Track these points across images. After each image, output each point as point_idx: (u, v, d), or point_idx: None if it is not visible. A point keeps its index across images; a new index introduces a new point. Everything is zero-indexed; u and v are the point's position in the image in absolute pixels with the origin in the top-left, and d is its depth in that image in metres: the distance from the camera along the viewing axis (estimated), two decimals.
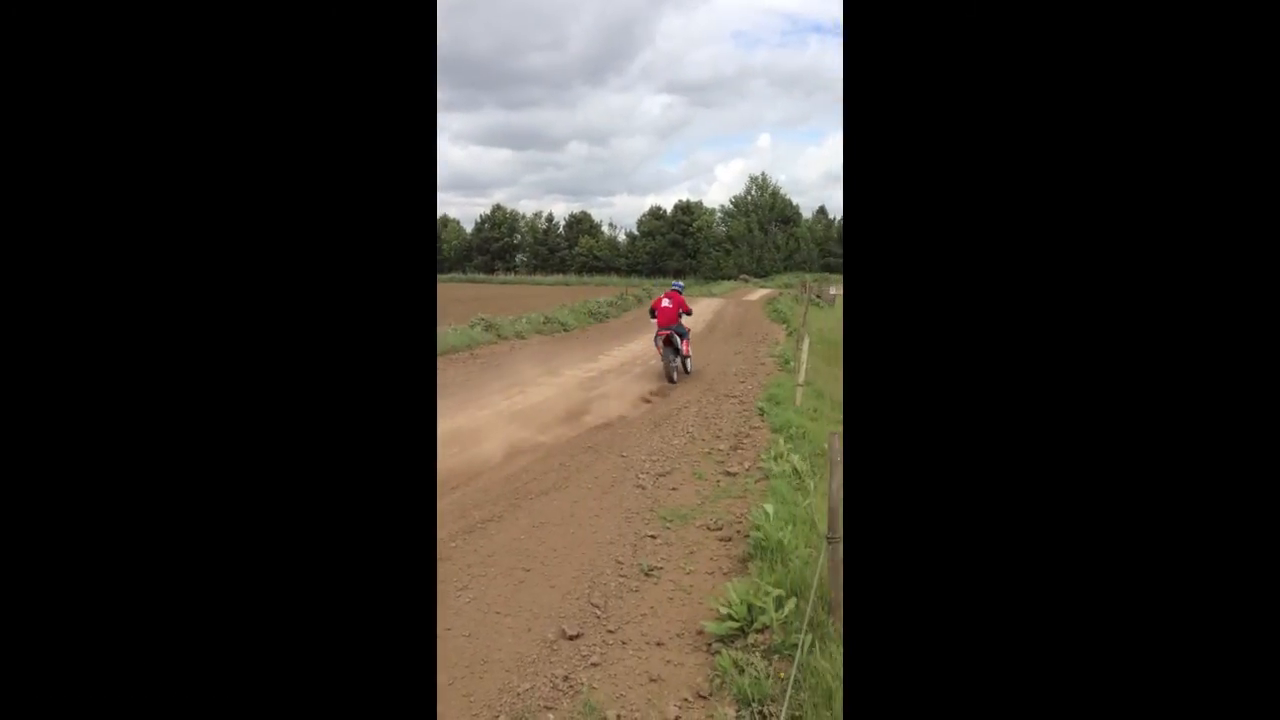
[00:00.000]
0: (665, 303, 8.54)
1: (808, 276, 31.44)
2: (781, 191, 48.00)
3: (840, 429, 5.96)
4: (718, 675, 2.47)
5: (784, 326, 15.23)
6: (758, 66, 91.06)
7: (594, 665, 2.58)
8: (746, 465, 5.21)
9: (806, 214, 49.50)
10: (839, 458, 2.76)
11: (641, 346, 12.08)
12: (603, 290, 22.48)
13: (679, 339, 8.59)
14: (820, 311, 18.83)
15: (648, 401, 7.63)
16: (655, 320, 8.55)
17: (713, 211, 48.00)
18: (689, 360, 9.06)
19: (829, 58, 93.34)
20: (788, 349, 10.87)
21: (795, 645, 2.44)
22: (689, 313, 8.81)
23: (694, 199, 49.11)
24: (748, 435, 6.09)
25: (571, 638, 2.75)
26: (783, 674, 2.40)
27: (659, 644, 2.72)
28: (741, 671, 2.44)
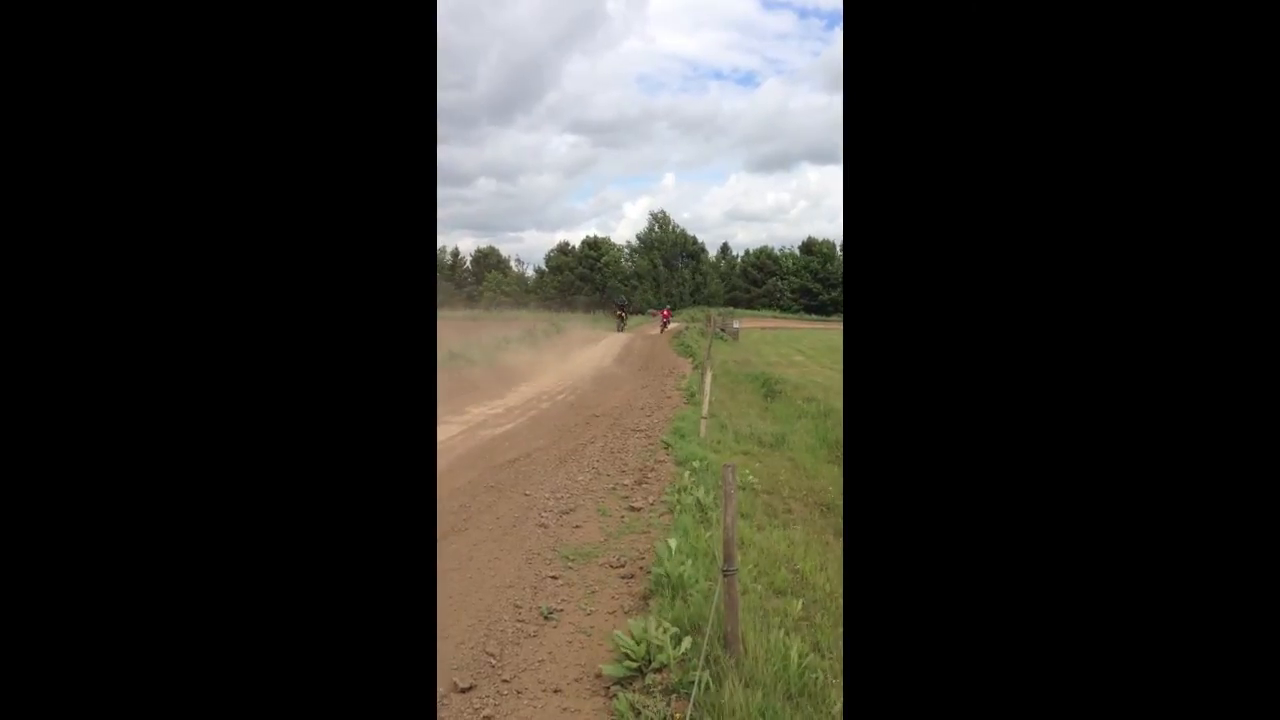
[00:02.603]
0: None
1: (713, 311, 32.20)
2: (684, 229, 49.28)
3: (735, 460, 6.04)
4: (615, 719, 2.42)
5: (690, 360, 15.47)
6: (660, 110, 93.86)
7: (486, 719, 2.47)
8: (651, 500, 5.20)
9: (711, 250, 50.99)
10: (732, 489, 2.79)
11: (552, 381, 11.96)
12: (513, 324, 22.21)
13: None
14: (725, 345, 19.25)
15: (554, 440, 7.53)
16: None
17: (620, 248, 48.67)
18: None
19: (728, 103, 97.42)
20: (693, 382, 11.03)
21: (693, 683, 2.42)
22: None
23: (602, 235, 49.71)
24: (653, 469, 6.10)
25: (463, 690, 2.63)
26: (678, 715, 2.37)
27: (556, 691, 2.64)
28: (638, 714, 2.39)
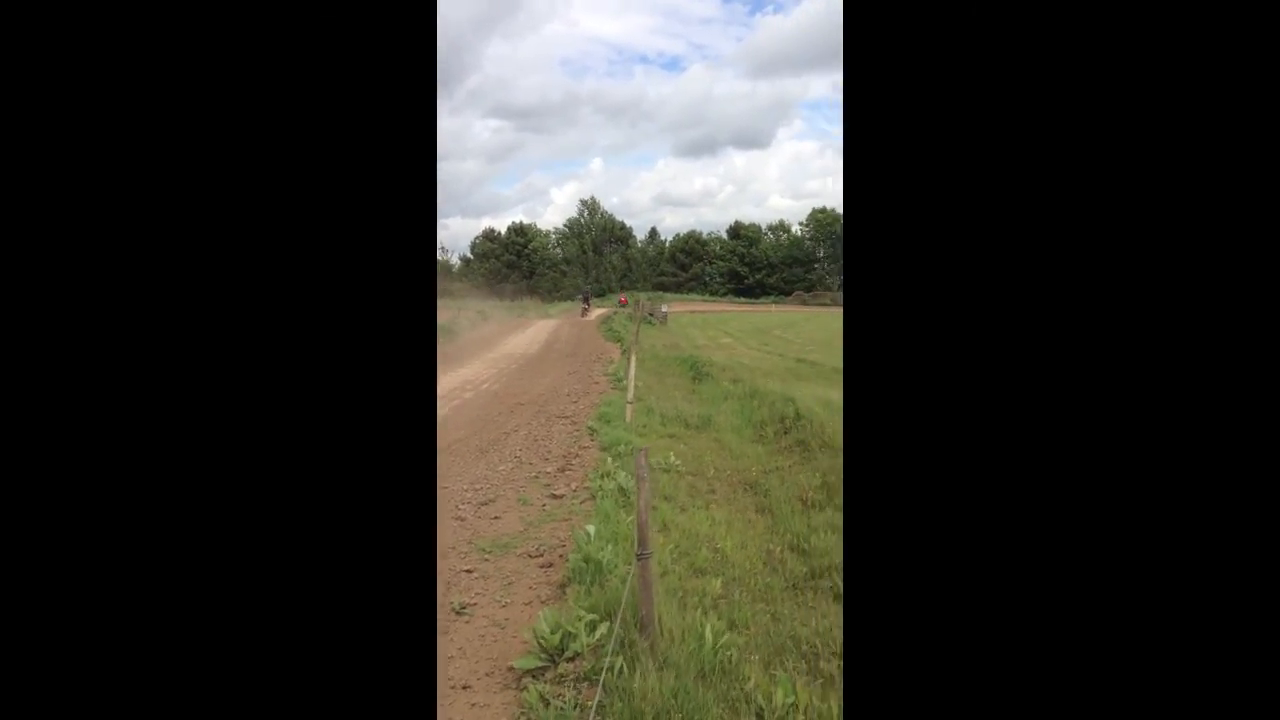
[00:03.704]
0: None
1: (642, 295, 32.26)
2: (611, 214, 49.11)
3: (661, 443, 6.03)
4: (524, 712, 2.35)
5: (618, 345, 15.43)
6: (585, 94, 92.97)
7: None
8: (574, 486, 5.14)
9: (640, 235, 50.99)
10: (645, 473, 2.75)
11: (476, 369, 11.71)
12: (440, 313, 21.66)
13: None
14: (653, 329, 19.30)
15: (475, 429, 7.36)
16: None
17: (548, 234, 48.11)
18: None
19: (654, 88, 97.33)
20: (620, 367, 11.00)
21: (607, 669, 2.38)
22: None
23: (529, 221, 48.99)
24: (576, 455, 6.03)
25: None
26: (588, 702, 2.32)
27: (465, 687, 2.55)
28: (547, 705, 2.33)
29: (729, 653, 2.68)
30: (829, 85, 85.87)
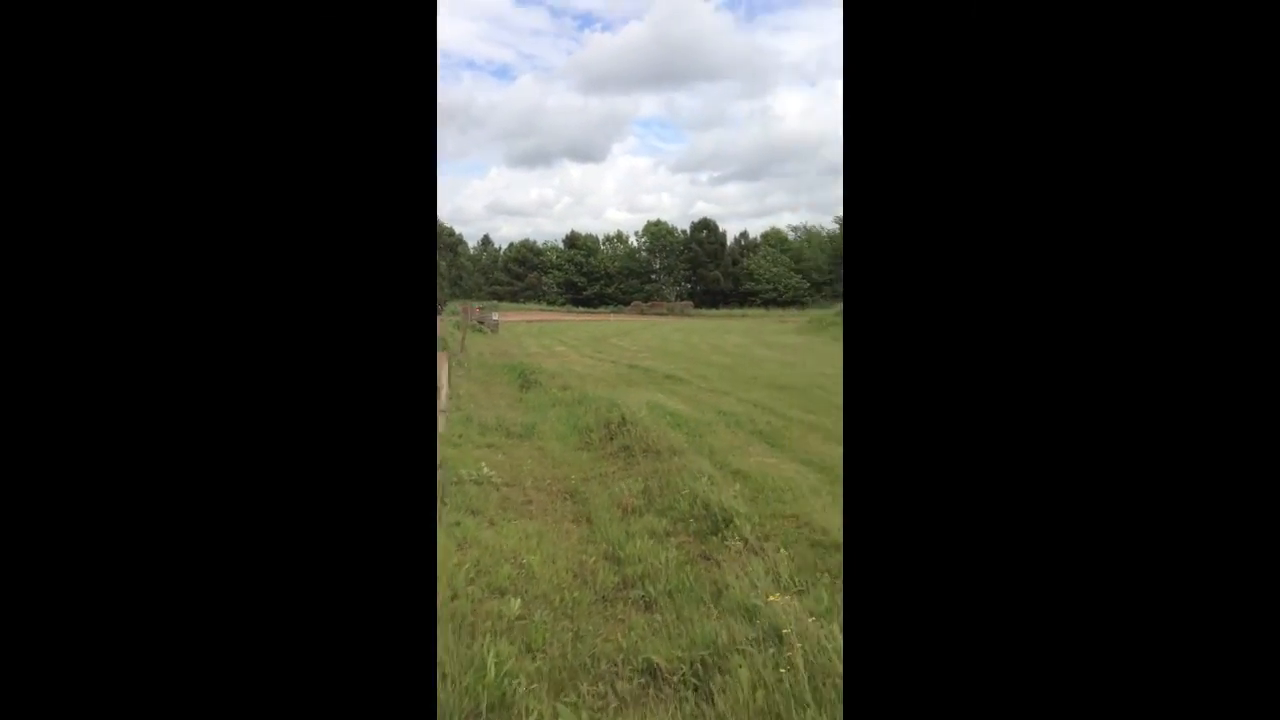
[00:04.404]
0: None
1: (474, 303, 31.33)
2: (442, 221, 47.58)
3: (478, 453, 5.60)
4: None
5: (444, 353, 14.67)
6: None
7: None
8: None
9: (472, 243, 49.69)
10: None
11: None
12: None
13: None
14: (483, 338, 18.65)
15: None
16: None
17: None
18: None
19: (483, 95, 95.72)
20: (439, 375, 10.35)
21: None
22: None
23: None
24: None
25: None
26: None
27: None
28: None
29: (514, 683, 2.36)
30: (659, 104, 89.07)
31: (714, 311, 46.86)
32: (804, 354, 16.35)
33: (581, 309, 48.64)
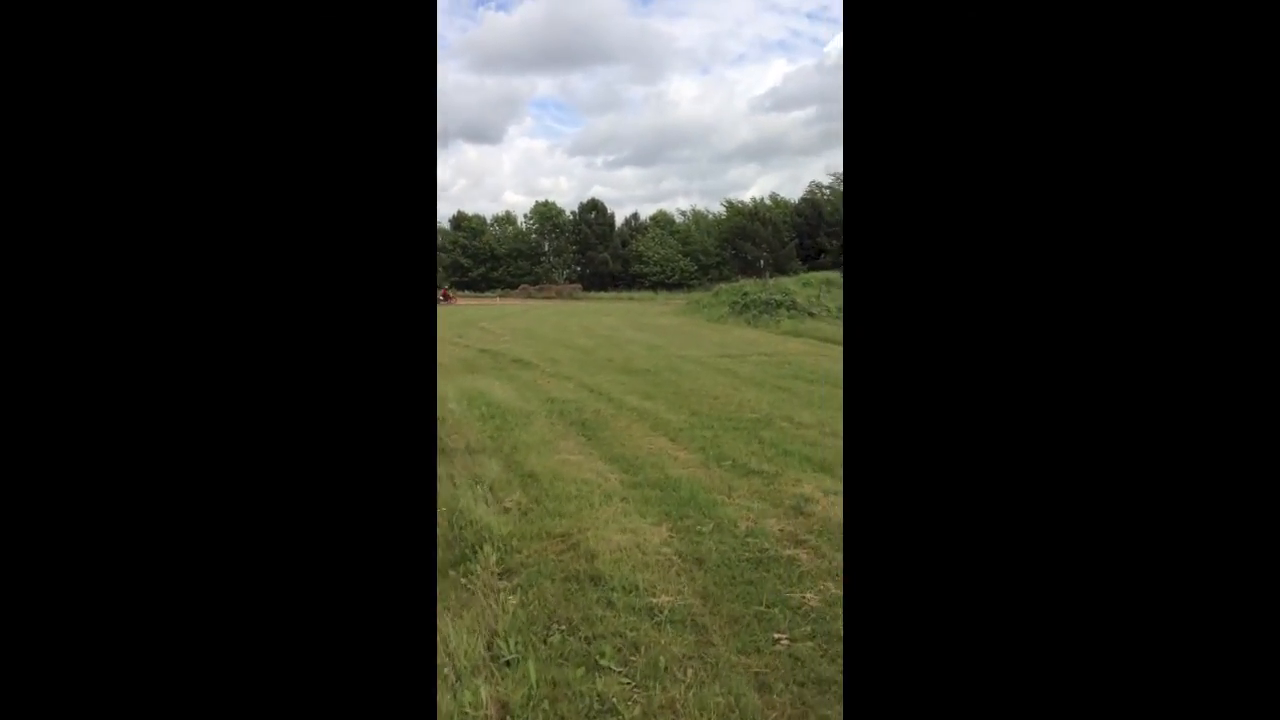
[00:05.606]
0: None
1: None
2: None
3: None
4: None
5: None
6: None
7: None
8: None
9: None
10: None
11: None
12: None
13: None
14: None
15: None
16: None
17: None
18: None
19: None
20: None
21: None
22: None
23: None
24: None
25: None
26: None
27: None
28: None
29: None
30: (555, 86, 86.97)
31: (602, 294, 46.06)
32: (672, 336, 15.77)
33: (467, 292, 46.60)
